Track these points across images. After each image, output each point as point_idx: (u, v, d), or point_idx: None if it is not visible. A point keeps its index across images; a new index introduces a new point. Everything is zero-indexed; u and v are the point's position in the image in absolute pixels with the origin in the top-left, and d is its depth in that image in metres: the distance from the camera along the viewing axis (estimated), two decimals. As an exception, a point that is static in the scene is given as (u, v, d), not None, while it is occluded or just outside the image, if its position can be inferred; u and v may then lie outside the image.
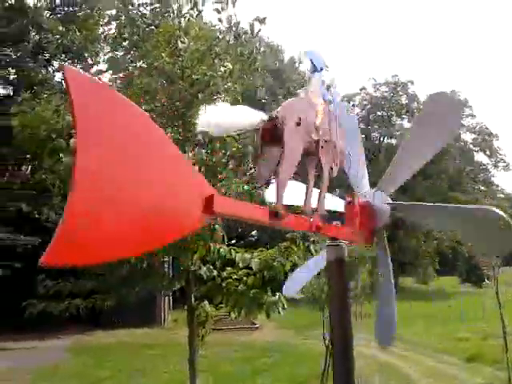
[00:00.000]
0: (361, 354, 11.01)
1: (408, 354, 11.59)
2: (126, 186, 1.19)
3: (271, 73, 28.74)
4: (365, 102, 34.30)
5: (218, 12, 5.49)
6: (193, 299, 4.95)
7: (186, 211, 1.33)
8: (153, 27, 5.00)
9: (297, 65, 31.57)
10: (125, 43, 5.16)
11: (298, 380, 9.06)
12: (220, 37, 5.18)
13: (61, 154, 4.47)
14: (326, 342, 8.57)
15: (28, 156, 9.89)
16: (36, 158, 5.33)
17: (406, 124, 33.64)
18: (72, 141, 4.57)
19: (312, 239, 5.35)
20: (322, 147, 1.81)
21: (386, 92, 33.88)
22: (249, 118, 1.64)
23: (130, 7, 5.17)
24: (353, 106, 32.42)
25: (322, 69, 1.93)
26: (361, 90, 34.81)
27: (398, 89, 33.67)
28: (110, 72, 5.27)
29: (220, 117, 1.58)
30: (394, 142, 33.64)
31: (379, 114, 33.92)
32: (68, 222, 1.06)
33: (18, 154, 10.96)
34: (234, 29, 5.29)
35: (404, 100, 33.87)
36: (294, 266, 5.27)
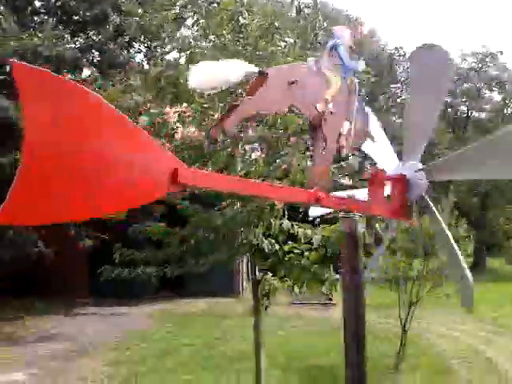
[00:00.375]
0: (444, 336, 10.73)
1: (494, 337, 11.08)
2: (73, 157, 1.42)
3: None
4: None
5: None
6: (257, 272, 5.09)
7: (152, 182, 1.59)
8: (215, 4, 5.06)
9: (377, 37, 30.50)
10: (188, 22, 5.27)
11: (372, 359, 8.97)
12: (282, 11, 5.15)
13: None
14: (402, 322, 8.44)
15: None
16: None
17: (497, 97, 31.37)
18: (140, 118, 4.79)
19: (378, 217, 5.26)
20: (325, 119, 1.80)
21: (474, 63, 31.59)
22: (239, 70, 1.67)
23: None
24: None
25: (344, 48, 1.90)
26: (447, 60, 32.77)
27: (487, 60, 31.21)
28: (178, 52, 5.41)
29: (209, 73, 1.64)
30: (483, 115, 31.53)
31: (466, 86, 31.78)
32: (18, 187, 1.29)
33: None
34: (296, 2, 5.22)
35: (493, 71, 31.43)
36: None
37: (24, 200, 1.30)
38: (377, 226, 5.25)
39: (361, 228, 4.57)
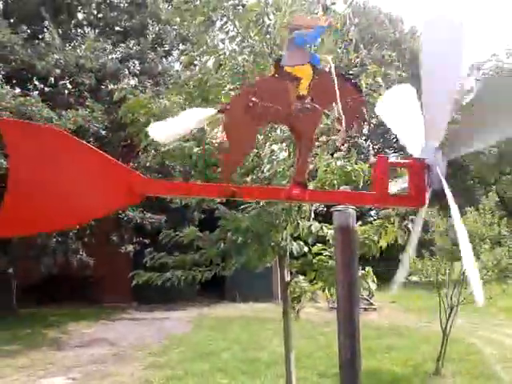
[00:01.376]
0: (488, 340, 10.32)
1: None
2: (49, 183, 1.78)
3: (391, 44, 27.45)
4: (497, 70, 31.10)
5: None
6: (286, 274, 5.03)
7: (112, 194, 1.86)
8: (240, 7, 5.06)
9: (418, 34, 29.84)
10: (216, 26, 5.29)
11: (413, 363, 8.74)
12: (309, 10, 5.09)
13: None
14: (443, 325, 8.18)
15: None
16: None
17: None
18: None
19: (411, 217, 5.11)
20: (297, 117, 1.77)
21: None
22: (195, 118, 1.74)
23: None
24: (483, 74, 29.61)
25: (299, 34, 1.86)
26: (492, 56, 31.61)
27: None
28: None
29: (166, 126, 1.77)
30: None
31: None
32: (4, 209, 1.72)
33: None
34: (323, 1, 5.15)
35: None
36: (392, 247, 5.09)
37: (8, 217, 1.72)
38: (410, 226, 5.11)
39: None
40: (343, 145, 1.87)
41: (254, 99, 1.76)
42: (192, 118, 1.78)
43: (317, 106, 1.81)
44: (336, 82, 1.83)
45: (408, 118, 2.25)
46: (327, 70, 1.90)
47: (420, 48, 2.11)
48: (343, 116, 1.82)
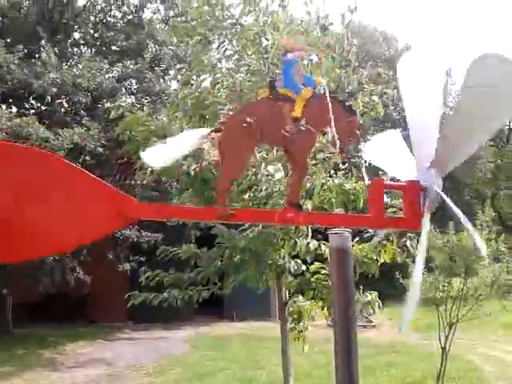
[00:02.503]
0: (487, 357, 10.24)
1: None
2: (34, 207, 1.70)
3: (385, 61, 27.72)
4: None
5: (306, 5, 5.45)
6: (283, 293, 4.99)
7: (101, 219, 1.80)
8: (238, 26, 5.09)
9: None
10: (213, 46, 5.33)
11: (412, 380, 8.66)
12: (307, 30, 5.12)
13: None
14: (442, 342, 8.10)
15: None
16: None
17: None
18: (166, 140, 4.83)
19: (409, 235, 5.10)
20: (292, 140, 1.78)
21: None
22: (191, 140, 1.75)
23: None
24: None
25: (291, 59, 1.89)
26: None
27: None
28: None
29: (160, 152, 1.76)
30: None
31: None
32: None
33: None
34: (322, 21, 5.18)
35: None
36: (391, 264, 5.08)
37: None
38: (408, 243, 5.09)
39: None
40: (343, 164, 1.88)
41: (248, 119, 1.76)
42: (188, 141, 1.78)
43: (311, 128, 1.81)
44: (330, 104, 1.84)
45: (395, 154, 2.29)
46: (321, 92, 1.90)
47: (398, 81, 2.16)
48: (337, 138, 1.83)
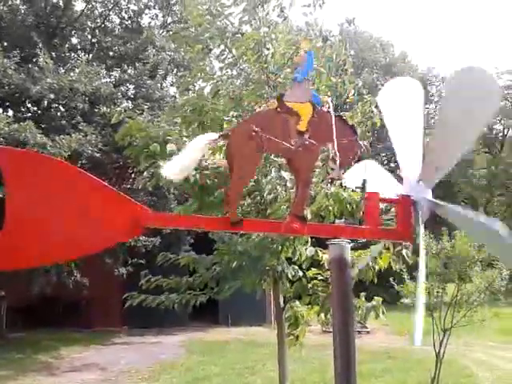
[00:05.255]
0: (482, 363, 10.30)
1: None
2: (48, 215, 1.75)
3: (381, 68, 27.92)
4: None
5: (306, 15, 5.54)
6: (281, 299, 5.04)
7: (115, 228, 1.84)
8: (239, 35, 5.16)
9: (408, 59, 30.43)
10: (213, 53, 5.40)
11: (407, 387, 8.71)
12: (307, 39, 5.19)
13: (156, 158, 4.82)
14: (436, 348, 8.16)
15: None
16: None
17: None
18: (168, 146, 4.87)
19: (404, 244, 5.17)
20: (296, 153, 1.85)
21: (509, 81, 30.84)
22: (200, 146, 1.80)
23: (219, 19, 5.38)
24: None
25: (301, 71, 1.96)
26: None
27: (523, 77, 30.39)
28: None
29: (178, 163, 1.81)
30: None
31: (502, 104, 30.93)
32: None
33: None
34: (321, 32, 5.27)
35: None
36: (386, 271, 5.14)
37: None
38: (404, 252, 5.15)
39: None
40: (339, 179, 1.93)
41: (256, 129, 1.82)
42: (197, 147, 1.82)
43: (315, 143, 1.88)
44: (334, 122, 1.91)
45: (376, 177, 2.35)
46: (326, 110, 1.97)
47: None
48: (338, 155, 1.90)
